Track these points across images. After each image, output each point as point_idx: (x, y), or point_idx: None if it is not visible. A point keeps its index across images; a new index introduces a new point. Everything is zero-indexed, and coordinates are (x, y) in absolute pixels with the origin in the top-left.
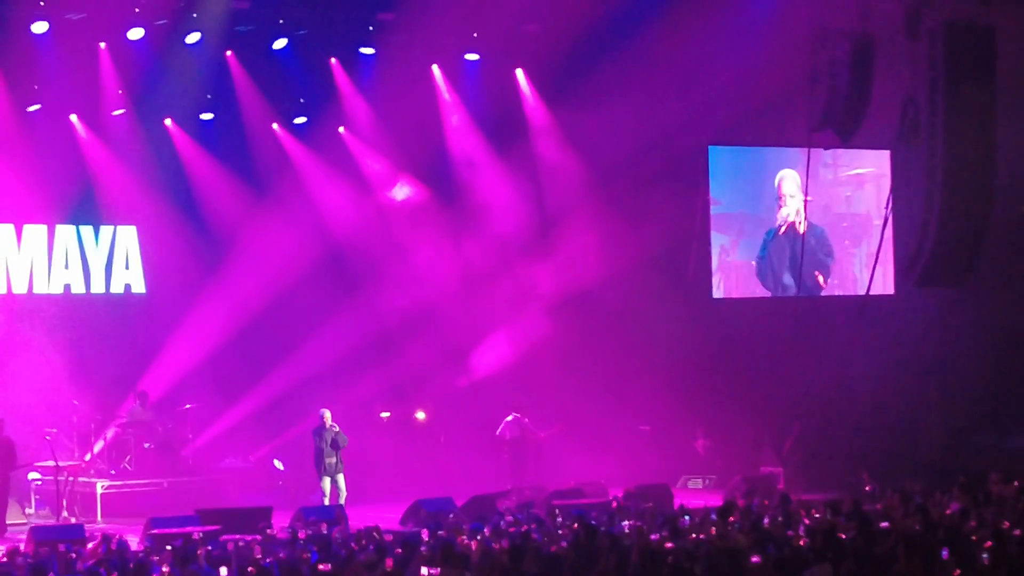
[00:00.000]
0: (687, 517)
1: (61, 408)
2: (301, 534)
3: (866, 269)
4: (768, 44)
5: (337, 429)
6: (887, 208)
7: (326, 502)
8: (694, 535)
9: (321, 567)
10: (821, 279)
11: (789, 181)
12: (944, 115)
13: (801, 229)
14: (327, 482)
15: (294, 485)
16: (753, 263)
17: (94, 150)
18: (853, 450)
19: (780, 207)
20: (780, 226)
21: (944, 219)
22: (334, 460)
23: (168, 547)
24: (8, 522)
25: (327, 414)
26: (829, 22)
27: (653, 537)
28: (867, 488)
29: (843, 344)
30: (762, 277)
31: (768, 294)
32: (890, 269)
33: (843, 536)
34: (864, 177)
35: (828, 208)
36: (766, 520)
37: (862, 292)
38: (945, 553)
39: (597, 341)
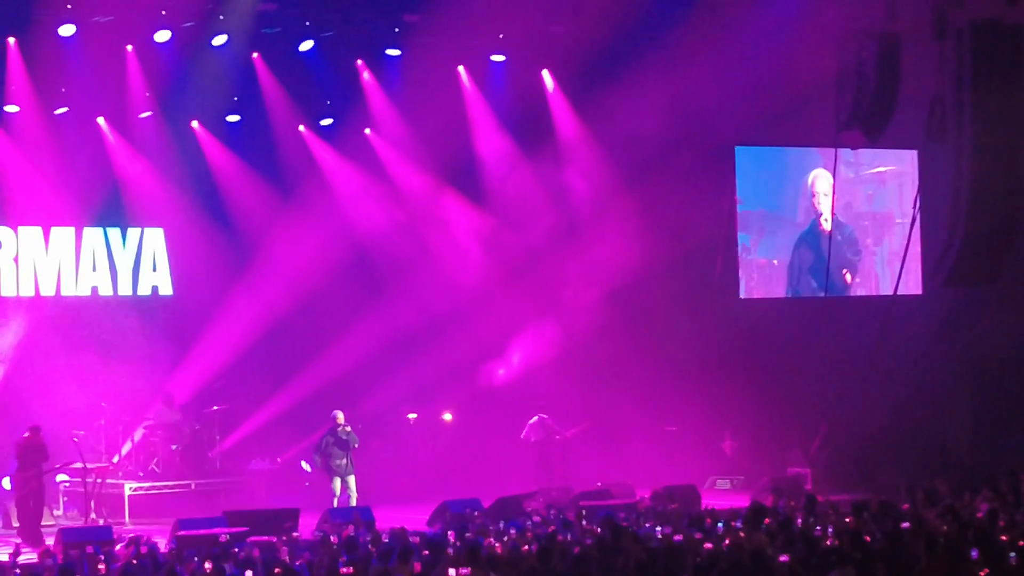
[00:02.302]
0: (720, 524)
1: (89, 410)
2: (334, 539)
3: (888, 267)
4: (795, 44)
5: (349, 429)
6: (914, 208)
7: (335, 503)
8: (727, 540)
9: (344, 571)
10: (848, 277)
11: (823, 180)
12: (971, 114)
13: (827, 227)
14: (337, 483)
15: (321, 487)
16: (775, 262)
17: (121, 152)
18: (881, 451)
19: (813, 206)
20: (812, 225)
21: (971, 219)
22: (344, 461)
23: (196, 559)
24: None
25: (340, 415)
26: (856, 22)
27: (677, 538)
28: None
29: (870, 344)
30: (791, 276)
31: (792, 294)
32: (917, 269)
33: (868, 539)
34: (886, 175)
35: (850, 206)
36: (799, 521)
37: (885, 291)
38: (975, 554)
39: (624, 341)
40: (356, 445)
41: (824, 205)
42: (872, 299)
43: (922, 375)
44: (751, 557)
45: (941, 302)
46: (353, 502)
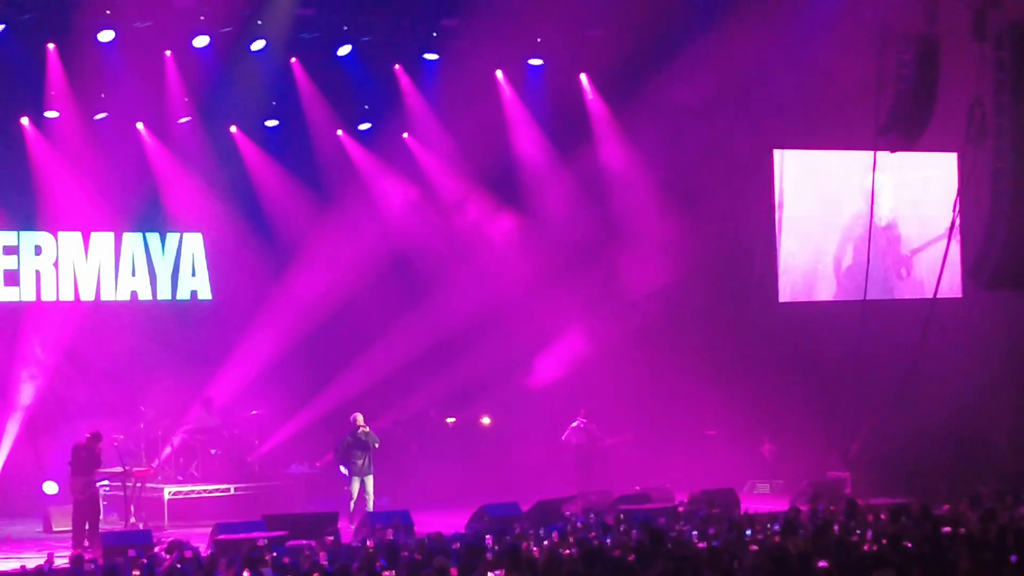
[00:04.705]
0: (748, 531)
1: (128, 414)
2: (370, 543)
3: (933, 272)
4: (833, 47)
5: (368, 430)
6: (954, 211)
7: (352, 504)
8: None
9: (385, 574)
10: (904, 272)
11: (877, 183)
12: (1011, 116)
13: (883, 225)
14: (356, 483)
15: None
16: (819, 267)
17: (160, 157)
18: (921, 455)
19: (871, 209)
20: (866, 227)
21: (1012, 221)
22: (363, 462)
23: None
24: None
25: (359, 417)
26: (895, 24)
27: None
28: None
29: (911, 347)
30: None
31: (844, 298)
32: (958, 272)
33: (909, 544)
34: (930, 179)
35: (895, 211)
36: (837, 527)
37: (929, 295)
38: (1014, 558)
39: (663, 345)
40: (376, 446)
41: (881, 207)
42: (912, 302)
43: (962, 378)
44: (798, 560)
45: (981, 305)
46: (370, 502)
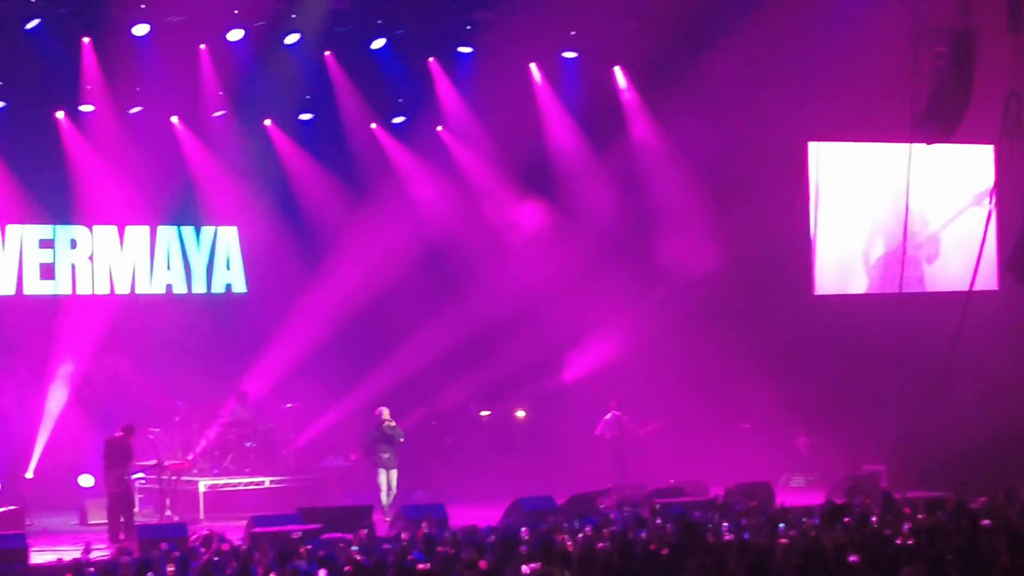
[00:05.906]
0: (782, 526)
1: (164, 408)
2: (405, 535)
3: (968, 264)
4: (869, 39)
5: (394, 424)
6: (991, 203)
7: (383, 497)
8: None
9: (420, 567)
10: (925, 265)
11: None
12: None
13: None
14: (383, 475)
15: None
16: (860, 257)
17: (195, 151)
18: (958, 448)
19: (906, 202)
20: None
21: None
22: (388, 455)
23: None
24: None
25: (385, 411)
26: (930, 17)
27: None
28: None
29: (947, 340)
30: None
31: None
32: (994, 265)
33: (944, 536)
34: (966, 171)
35: (932, 203)
36: (874, 519)
37: (964, 287)
38: None
39: (698, 338)
40: (401, 439)
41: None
42: (948, 295)
43: (998, 371)
44: (833, 553)
45: (1018, 298)
46: (392, 495)
